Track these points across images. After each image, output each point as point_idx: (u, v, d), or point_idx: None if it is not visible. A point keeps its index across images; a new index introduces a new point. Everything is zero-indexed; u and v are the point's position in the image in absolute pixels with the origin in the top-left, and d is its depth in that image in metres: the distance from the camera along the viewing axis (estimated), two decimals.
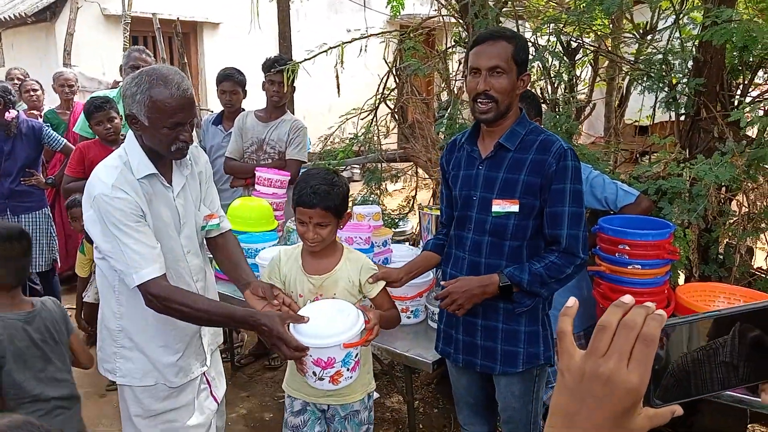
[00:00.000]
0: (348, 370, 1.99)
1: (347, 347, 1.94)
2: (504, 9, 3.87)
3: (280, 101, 3.85)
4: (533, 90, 3.52)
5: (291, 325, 1.95)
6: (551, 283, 2.03)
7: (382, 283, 2.26)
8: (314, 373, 1.98)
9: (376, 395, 3.64)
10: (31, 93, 5.34)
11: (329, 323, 1.99)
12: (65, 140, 4.54)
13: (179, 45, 5.94)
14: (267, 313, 1.96)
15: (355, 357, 2.02)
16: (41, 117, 5.11)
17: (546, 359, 2.17)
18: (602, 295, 2.47)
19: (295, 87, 3.90)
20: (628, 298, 0.65)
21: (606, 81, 4.25)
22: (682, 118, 3.28)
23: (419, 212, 3.50)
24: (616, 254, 2.41)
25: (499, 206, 2.07)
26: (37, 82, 5.41)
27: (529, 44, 3.71)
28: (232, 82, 4.11)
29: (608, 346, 0.63)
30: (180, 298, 1.94)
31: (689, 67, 3.21)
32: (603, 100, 4.50)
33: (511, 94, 2.02)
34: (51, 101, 5.65)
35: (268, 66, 3.83)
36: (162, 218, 2.05)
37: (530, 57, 3.54)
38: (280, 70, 3.76)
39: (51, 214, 4.58)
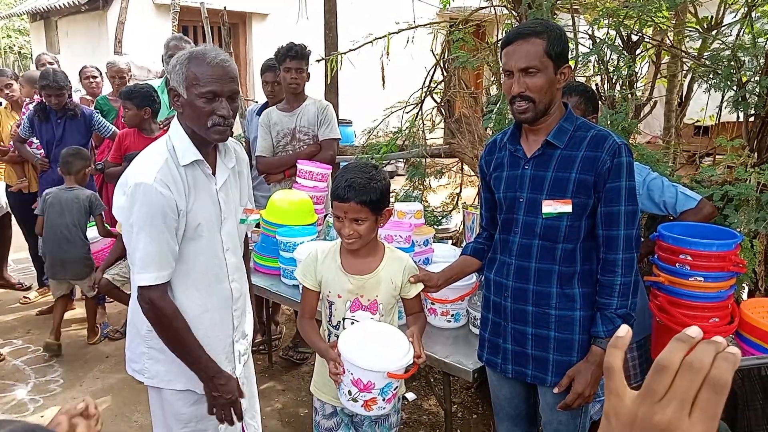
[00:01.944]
0: (384, 400, 1.93)
1: (390, 377, 1.89)
2: (558, 1, 3.69)
3: (298, 88, 3.77)
4: (589, 85, 3.34)
5: (342, 336, 1.94)
6: (633, 301, 1.93)
7: (420, 286, 2.17)
8: (349, 392, 1.93)
9: (412, 396, 3.58)
10: (91, 80, 5.42)
11: (380, 347, 1.94)
12: (114, 128, 4.58)
13: (226, 35, 5.92)
14: (230, 377, 2.00)
15: (394, 389, 1.96)
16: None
17: None
18: (659, 308, 2.30)
19: (309, 74, 3.81)
20: (694, 332, 0.54)
21: (667, 78, 4.02)
22: (752, 119, 3.06)
23: (463, 210, 3.38)
24: (677, 264, 2.24)
25: (550, 207, 1.94)
26: (96, 69, 5.49)
27: (587, 37, 3.54)
28: (274, 73, 4.06)
29: (667, 390, 0.52)
30: (175, 316, 1.89)
31: (761, 64, 2.98)
32: (662, 98, 4.26)
33: (549, 91, 1.90)
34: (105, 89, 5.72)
35: (282, 55, 3.74)
36: (202, 212, 1.96)
37: (589, 50, 3.39)
38: (295, 57, 3.68)
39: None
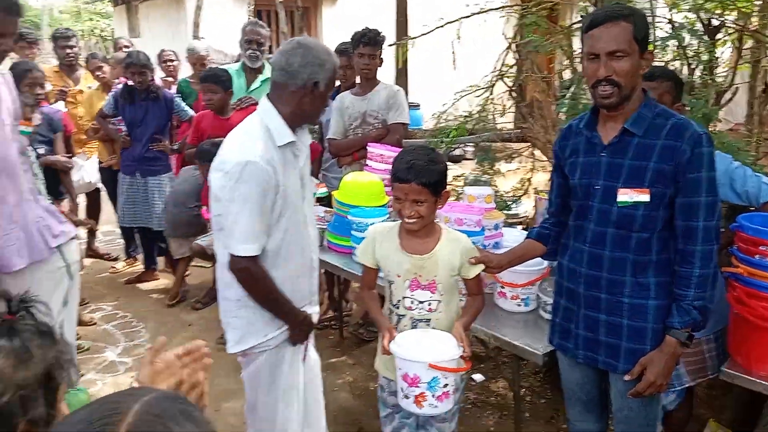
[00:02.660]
0: (434, 396, 1.98)
1: (432, 368, 1.95)
2: None
3: (371, 73, 3.86)
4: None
5: (397, 336, 2.09)
6: (711, 293, 1.92)
7: (481, 267, 2.21)
8: (401, 389, 2.02)
9: (480, 378, 3.65)
10: (168, 63, 5.69)
11: (427, 343, 2.05)
12: (192, 112, 4.80)
13: (299, 19, 6.05)
14: (308, 315, 2.31)
15: (443, 386, 2.00)
16: (175, 85, 5.43)
17: None
18: (737, 300, 2.26)
19: (382, 59, 3.88)
20: None
21: (750, 63, 3.86)
22: None
23: (535, 196, 3.39)
24: (756, 256, 2.19)
25: (626, 196, 1.94)
26: (174, 53, 5.74)
27: (665, 21, 3.44)
28: (347, 57, 4.15)
29: None
30: (267, 277, 2.13)
31: None
32: (745, 85, 4.10)
33: (634, 76, 1.89)
34: (182, 72, 5.97)
35: (356, 41, 3.83)
36: (291, 188, 2.14)
37: (667, 34, 3.31)
38: (369, 43, 3.76)
39: (174, 179, 4.89)
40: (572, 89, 3.65)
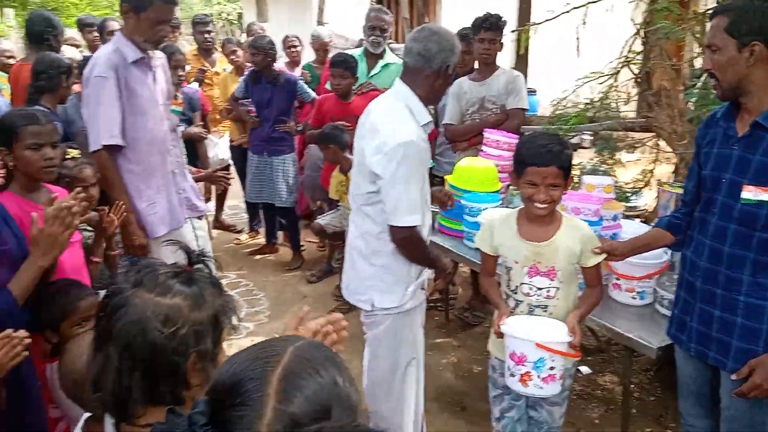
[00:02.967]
0: (539, 377, 2.02)
1: (539, 347, 1.99)
2: None
3: (490, 58, 3.87)
4: None
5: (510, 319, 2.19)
6: None
7: (602, 256, 2.21)
8: (509, 368, 2.08)
9: (586, 370, 3.61)
10: (292, 49, 5.98)
11: (535, 326, 2.12)
12: (314, 94, 5.03)
13: (421, 4, 6.13)
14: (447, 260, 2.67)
15: (550, 368, 2.03)
16: (299, 68, 5.71)
17: None
18: None
19: (503, 44, 3.87)
20: None
21: None
22: None
23: (657, 188, 3.27)
24: None
25: (750, 193, 1.89)
26: (297, 38, 6.03)
27: None
28: (466, 42, 4.16)
29: None
30: (424, 242, 2.46)
31: None
32: None
33: (732, 69, 1.86)
34: (306, 56, 6.25)
35: (477, 26, 3.83)
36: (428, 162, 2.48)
37: None
38: (490, 28, 3.77)
39: (297, 159, 5.16)
40: (703, 78, 3.46)
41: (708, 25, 1.92)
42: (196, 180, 3.49)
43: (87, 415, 1.39)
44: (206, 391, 0.84)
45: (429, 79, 2.33)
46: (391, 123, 2.31)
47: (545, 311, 2.24)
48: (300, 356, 0.83)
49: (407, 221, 2.30)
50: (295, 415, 0.76)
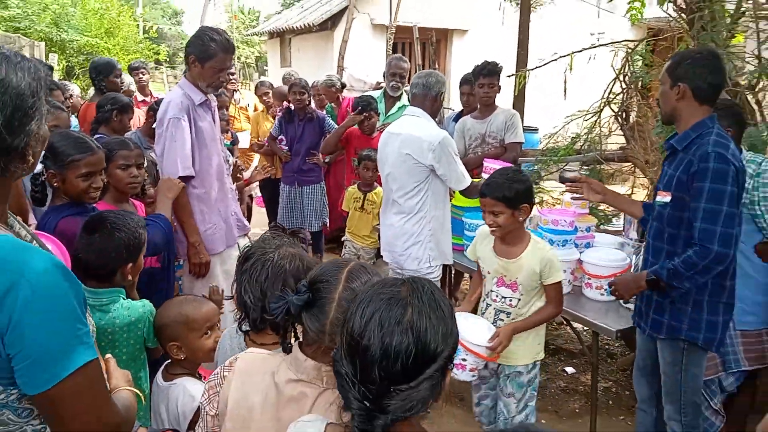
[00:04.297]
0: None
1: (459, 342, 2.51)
2: (741, 19, 3.93)
3: (490, 100, 4.47)
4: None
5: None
6: (691, 276, 2.29)
7: (558, 278, 2.61)
8: None
9: (571, 370, 4.13)
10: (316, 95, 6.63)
11: (469, 324, 2.53)
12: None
13: (431, 52, 6.85)
14: None
15: (462, 359, 2.44)
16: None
17: (689, 338, 2.41)
18: None
19: (500, 87, 4.46)
20: None
21: None
22: None
23: None
24: None
25: (660, 197, 2.48)
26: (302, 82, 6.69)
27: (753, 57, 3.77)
28: (470, 85, 4.81)
29: None
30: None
31: None
32: None
33: (667, 101, 2.41)
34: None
35: (477, 72, 4.44)
36: None
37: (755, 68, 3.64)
38: (488, 74, 4.38)
39: (325, 188, 5.72)
40: None
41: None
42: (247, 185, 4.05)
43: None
44: (305, 281, 1.34)
45: (430, 101, 3.54)
46: (426, 129, 3.41)
47: (508, 317, 2.68)
48: (358, 264, 1.41)
49: (468, 182, 3.45)
50: (354, 289, 1.31)
